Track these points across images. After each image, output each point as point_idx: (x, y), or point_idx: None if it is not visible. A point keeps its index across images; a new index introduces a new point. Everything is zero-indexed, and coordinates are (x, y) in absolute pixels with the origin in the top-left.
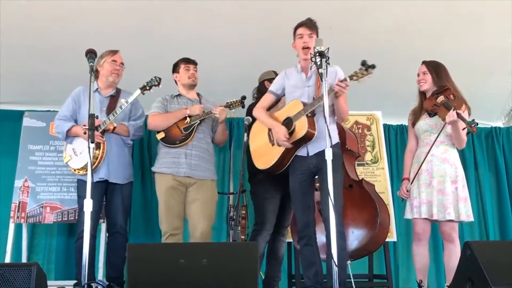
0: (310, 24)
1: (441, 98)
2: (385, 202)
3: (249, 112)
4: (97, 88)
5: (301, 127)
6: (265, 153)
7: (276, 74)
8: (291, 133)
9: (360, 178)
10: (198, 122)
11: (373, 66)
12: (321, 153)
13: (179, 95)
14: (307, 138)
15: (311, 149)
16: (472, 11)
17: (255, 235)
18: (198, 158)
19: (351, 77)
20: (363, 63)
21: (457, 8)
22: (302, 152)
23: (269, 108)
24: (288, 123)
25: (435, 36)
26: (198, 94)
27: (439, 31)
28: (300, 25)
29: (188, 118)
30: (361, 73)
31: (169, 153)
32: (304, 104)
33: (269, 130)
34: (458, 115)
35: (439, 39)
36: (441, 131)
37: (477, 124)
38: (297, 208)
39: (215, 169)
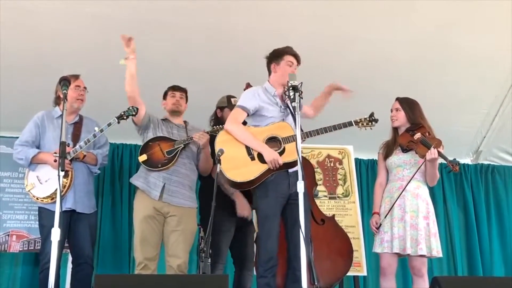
0: (298, 59)
1: (418, 136)
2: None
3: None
4: (60, 115)
5: (292, 152)
6: (242, 165)
7: (228, 99)
8: (279, 154)
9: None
10: (182, 146)
11: (376, 120)
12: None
13: (166, 119)
14: (295, 164)
15: (291, 169)
16: (439, 55)
17: (212, 268)
18: (178, 184)
19: (356, 123)
20: (370, 115)
21: (425, 52)
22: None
23: None
24: (273, 141)
25: (407, 75)
26: (184, 122)
27: (411, 71)
28: (291, 53)
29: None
30: (366, 122)
31: (149, 175)
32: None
33: None
34: (439, 153)
35: (412, 77)
36: (419, 167)
37: (459, 163)
38: (270, 234)
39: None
